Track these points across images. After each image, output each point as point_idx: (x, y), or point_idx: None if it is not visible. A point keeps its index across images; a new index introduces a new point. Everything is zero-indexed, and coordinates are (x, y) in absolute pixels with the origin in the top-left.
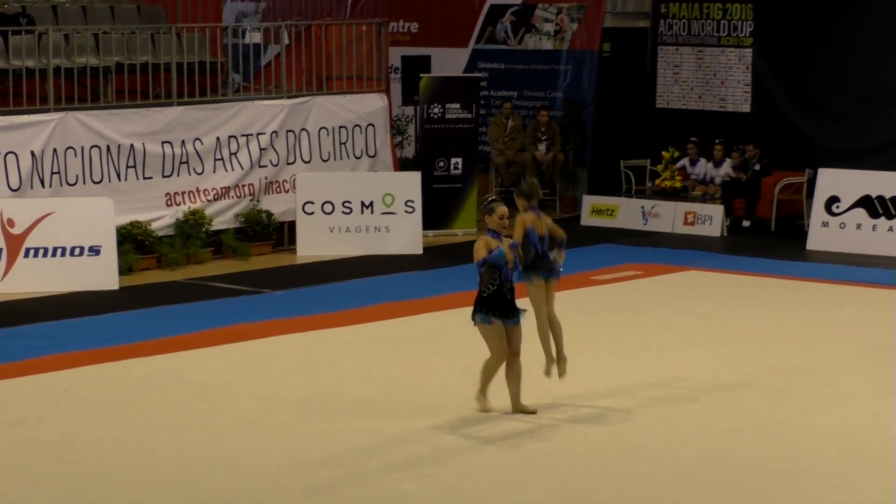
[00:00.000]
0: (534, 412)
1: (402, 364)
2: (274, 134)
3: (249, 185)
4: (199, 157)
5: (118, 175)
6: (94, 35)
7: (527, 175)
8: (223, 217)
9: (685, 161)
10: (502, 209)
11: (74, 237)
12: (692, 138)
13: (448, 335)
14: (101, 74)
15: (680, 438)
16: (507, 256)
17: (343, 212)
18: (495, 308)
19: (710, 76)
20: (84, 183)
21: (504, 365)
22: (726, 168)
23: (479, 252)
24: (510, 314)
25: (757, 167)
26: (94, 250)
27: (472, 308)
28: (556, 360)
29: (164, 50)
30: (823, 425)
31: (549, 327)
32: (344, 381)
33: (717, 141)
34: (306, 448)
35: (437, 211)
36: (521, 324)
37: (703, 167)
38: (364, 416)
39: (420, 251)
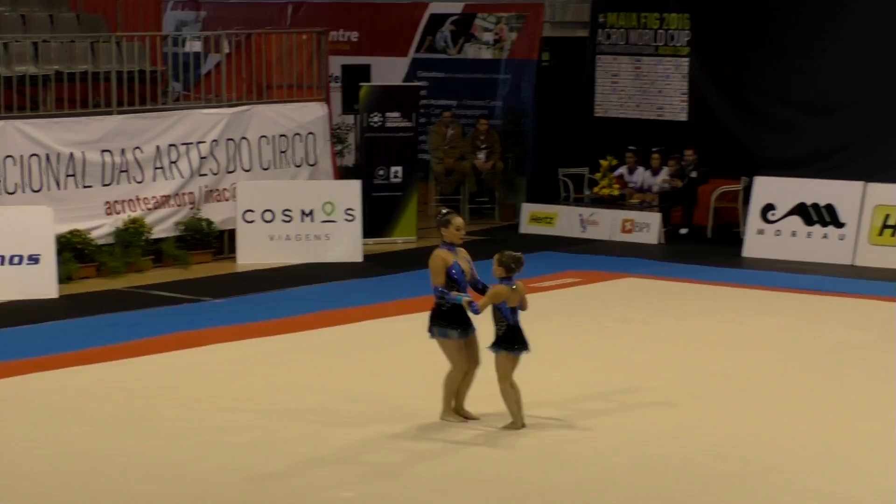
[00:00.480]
0: (476, 419)
1: (343, 372)
2: (214, 142)
3: (189, 193)
4: (139, 166)
5: (58, 184)
6: (33, 44)
7: (466, 183)
8: (163, 225)
9: (623, 169)
10: (458, 220)
11: (13, 246)
12: (630, 147)
13: (388, 343)
14: (40, 83)
15: (610, 446)
16: (462, 305)
17: (283, 220)
18: (453, 321)
19: (648, 85)
20: (23, 191)
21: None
22: (663, 175)
23: (439, 273)
24: (467, 327)
25: (694, 174)
26: (34, 259)
27: (428, 320)
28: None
29: (103, 59)
30: (756, 431)
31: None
32: (284, 389)
33: (654, 149)
34: (247, 455)
35: (377, 219)
36: (476, 334)
37: (641, 175)
38: (304, 423)
39: (360, 259)
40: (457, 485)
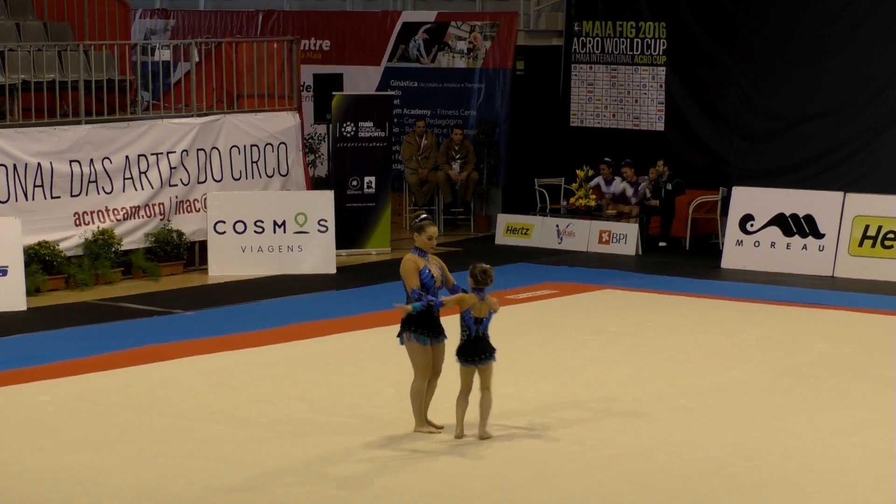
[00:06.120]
0: (440, 428)
1: (315, 385)
2: (184, 152)
3: (160, 204)
4: (108, 176)
5: (25, 194)
6: None
7: (440, 194)
8: (133, 237)
9: (599, 179)
10: (432, 229)
11: None
12: (606, 158)
13: (361, 356)
14: (7, 92)
15: (597, 460)
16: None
17: (255, 231)
18: (425, 327)
19: (624, 94)
20: None
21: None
22: (644, 188)
23: (412, 276)
24: (438, 334)
25: (669, 186)
26: (2, 271)
27: (398, 326)
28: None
29: (71, 67)
30: (738, 445)
31: (481, 405)
32: (257, 403)
33: (623, 162)
34: (218, 471)
35: (350, 230)
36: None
37: (618, 185)
38: (276, 438)
39: (333, 271)
40: (434, 500)
